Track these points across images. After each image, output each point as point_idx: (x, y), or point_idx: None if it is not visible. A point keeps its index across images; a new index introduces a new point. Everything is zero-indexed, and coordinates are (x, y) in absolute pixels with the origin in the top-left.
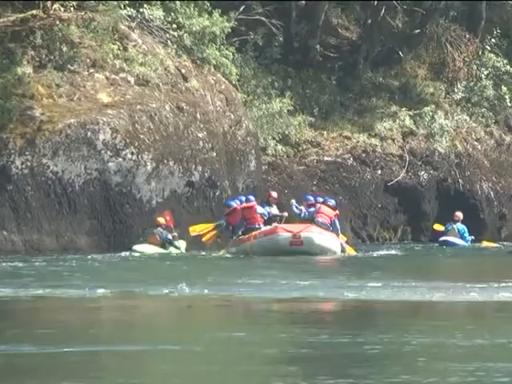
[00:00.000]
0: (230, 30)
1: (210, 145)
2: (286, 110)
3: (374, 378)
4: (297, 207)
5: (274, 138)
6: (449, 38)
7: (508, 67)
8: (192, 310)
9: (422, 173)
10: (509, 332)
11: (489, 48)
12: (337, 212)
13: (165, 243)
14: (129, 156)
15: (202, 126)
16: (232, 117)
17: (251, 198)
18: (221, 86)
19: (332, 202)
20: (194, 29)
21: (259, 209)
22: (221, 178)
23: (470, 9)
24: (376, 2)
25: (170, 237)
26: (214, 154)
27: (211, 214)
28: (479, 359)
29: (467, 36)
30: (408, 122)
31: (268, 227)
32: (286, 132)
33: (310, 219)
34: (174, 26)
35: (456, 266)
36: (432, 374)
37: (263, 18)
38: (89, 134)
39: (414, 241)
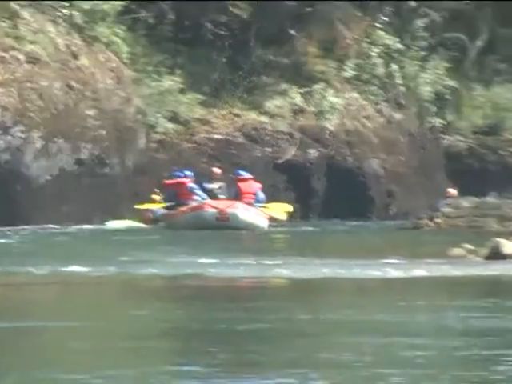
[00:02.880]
0: (120, 7)
1: (99, 122)
2: (176, 88)
3: (266, 354)
4: (207, 184)
5: (164, 116)
6: (339, 15)
7: (398, 45)
8: (77, 289)
9: (312, 150)
10: (389, 308)
11: (379, 26)
12: (257, 184)
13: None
14: (18, 134)
15: (91, 103)
16: (122, 95)
17: (188, 173)
18: (111, 64)
19: (245, 174)
20: (84, 7)
21: (192, 185)
22: (110, 156)
23: None
24: None
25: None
26: (104, 132)
27: (100, 192)
28: (366, 334)
29: (358, 14)
30: (298, 99)
31: (196, 203)
32: (176, 110)
33: (236, 198)
34: (65, 3)
35: (346, 242)
36: (322, 350)
37: None
38: None
39: (302, 219)
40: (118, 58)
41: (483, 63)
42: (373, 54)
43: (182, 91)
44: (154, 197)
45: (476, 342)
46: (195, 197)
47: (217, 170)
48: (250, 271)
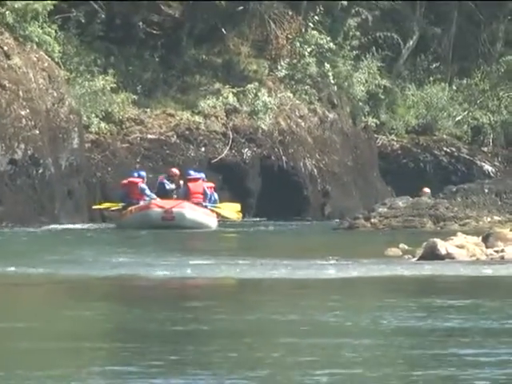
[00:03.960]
0: (52, 7)
1: (32, 122)
2: (108, 88)
3: (206, 354)
4: (168, 184)
5: (97, 116)
6: (272, 15)
7: (331, 44)
8: (17, 290)
9: (246, 150)
10: (326, 308)
11: (312, 25)
12: (208, 184)
13: None
14: None
15: (24, 103)
16: (55, 94)
17: (142, 173)
18: (43, 64)
19: (195, 174)
20: (16, 6)
21: (142, 186)
22: (44, 156)
23: None
24: None
25: None
26: (37, 132)
27: (34, 192)
28: (304, 334)
29: (290, 13)
30: (231, 99)
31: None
32: (110, 109)
33: (186, 198)
34: None
35: (282, 243)
36: (260, 350)
37: None
38: None
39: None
40: (50, 57)
41: (415, 62)
42: (306, 53)
43: (114, 91)
44: None
45: (410, 342)
46: (146, 197)
47: (175, 171)
48: (190, 271)
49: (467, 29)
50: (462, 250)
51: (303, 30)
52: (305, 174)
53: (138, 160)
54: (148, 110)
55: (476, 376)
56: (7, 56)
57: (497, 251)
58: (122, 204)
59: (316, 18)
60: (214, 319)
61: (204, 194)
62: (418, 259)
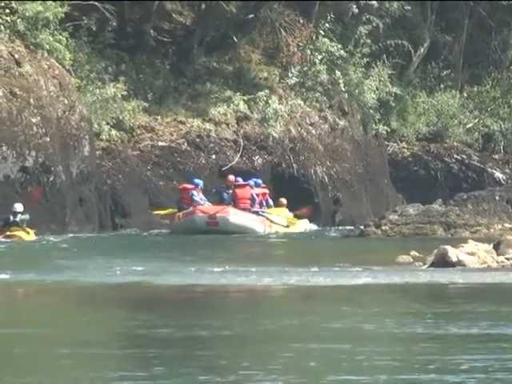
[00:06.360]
0: (63, 15)
1: (43, 130)
2: (119, 95)
3: (217, 361)
4: (227, 193)
5: (107, 123)
6: (282, 22)
7: (342, 52)
8: (30, 296)
9: (257, 157)
10: (338, 315)
11: (322, 33)
12: (261, 190)
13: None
14: None
15: (35, 111)
16: (66, 102)
17: (197, 181)
18: (54, 71)
19: (241, 180)
20: (27, 14)
21: (193, 192)
22: (55, 164)
23: None
24: None
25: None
26: (48, 140)
27: (45, 199)
28: (315, 340)
29: (301, 21)
30: (242, 106)
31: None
32: (120, 117)
33: (233, 204)
34: (7, 10)
35: (293, 250)
36: (272, 355)
37: (96, 3)
38: None
39: None
40: (61, 65)
41: (426, 70)
42: (316, 60)
43: (125, 98)
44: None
45: (421, 348)
46: (194, 203)
47: (231, 178)
48: (207, 278)
49: (478, 36)
50: (473, 257)
51: (314, 38)
52: (315, 182)
53: (148, 167)
54: (159, 117)
55: (487, 381)
56: (18, 64)
57: (508, 258)
58: (175, 209)
59: (327, 25)
60: (228, 326)
61: (251, 199)
62: (429, 266)
